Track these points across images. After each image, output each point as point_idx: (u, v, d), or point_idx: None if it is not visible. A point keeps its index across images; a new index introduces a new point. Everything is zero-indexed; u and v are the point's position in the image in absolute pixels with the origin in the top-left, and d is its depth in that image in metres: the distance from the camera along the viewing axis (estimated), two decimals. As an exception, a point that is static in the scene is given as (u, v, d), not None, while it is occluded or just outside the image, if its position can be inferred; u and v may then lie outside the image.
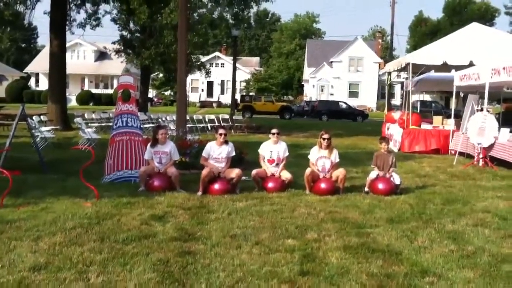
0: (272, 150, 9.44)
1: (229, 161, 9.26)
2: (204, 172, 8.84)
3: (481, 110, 13.89)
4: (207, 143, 9.56)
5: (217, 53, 64.70)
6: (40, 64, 54.12)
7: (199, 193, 8.77)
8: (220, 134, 9.20)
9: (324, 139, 9.17)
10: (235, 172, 8.98)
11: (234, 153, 9.43)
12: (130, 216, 7.12)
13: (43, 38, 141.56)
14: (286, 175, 9.32)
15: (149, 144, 9.48)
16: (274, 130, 9.54)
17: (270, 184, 9.19)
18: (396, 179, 9.16)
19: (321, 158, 9.18)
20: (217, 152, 9.13)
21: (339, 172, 9.07)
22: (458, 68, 16.17)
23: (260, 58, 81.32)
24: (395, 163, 9.47)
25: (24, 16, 25.45)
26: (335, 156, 9.24)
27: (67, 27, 24.06)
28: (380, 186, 9.03)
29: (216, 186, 8.88)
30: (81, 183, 8.54)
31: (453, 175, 11.61)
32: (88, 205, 7.68)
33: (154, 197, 8.37)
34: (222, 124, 22.73)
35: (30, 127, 13.27)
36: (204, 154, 9.18)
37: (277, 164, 9.40)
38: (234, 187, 9.02)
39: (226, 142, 9.27)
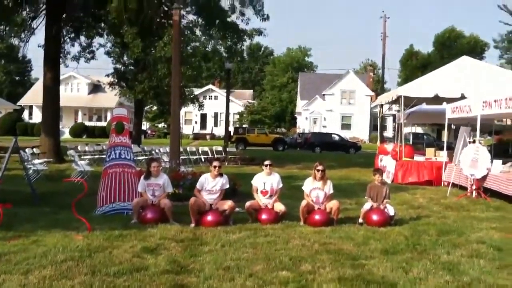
0: (266, 181, 9.40)
1: (222, 193, 9.22)
2: (192, 200, 8.80)
3: (473, 142, 13.97)
4: (201, 175, 9.52)
5: (210, 86, 65.15)
6: (34, 96, 54.21)
7: (192, 225, 8.69)
8: (215, 167, 9.18)
9: (318, 170, 9.17)
10: (227, 204, 8.93)
11: (228, 185, 9.39)
12: (122, 248, 7.03)
13: (37, 71, 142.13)
14: (279, 207, 9.27)
15: (142, 177, 9.44)
16: (266, 162, 9.54)
17: (264, 216, 9.13)
18: (390, 210, 9.14)
19: (315, 189, 9.17)
20: (211, 184, 9.09)
21: (333, 204, 9.04)
22: (450, 100, 16.32)
23: (253, 91, 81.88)
24: (389, 194, 9.47)
25: (19, 49, 25.60)
26: (329, 188, 9.22)
27: (61, 60, 24.19)
28: (374, 217, 9.00)
29: (209, 217, 8.81)
30: (73, 216, 8.46)
31: (447, 206, 11.59)
32: (79, 238, 7.59)
33: (147, 229, 8.29)
34: (216, 156, 22.73)
35: (23, 159, 13.21)
36: (198, 185, 9.15)
37: (271, 196, 9.36)
38: (227, 219, 8.95)
39: (220, 175, 9.24)
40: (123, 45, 26.95)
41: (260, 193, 9.38)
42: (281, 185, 9.54)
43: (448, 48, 68.71)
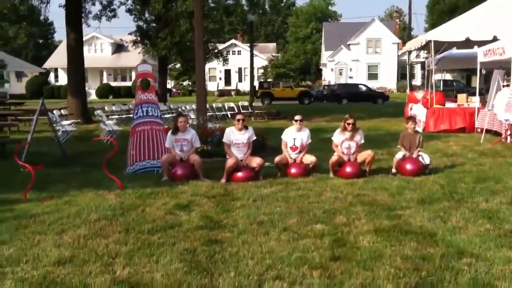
0: (296, 137, 9.21)
1: (250, 146, 9.08)
2: (229, 162, 8.66)
3: (508, 85, 13.50)
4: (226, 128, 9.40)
5: (233, 41, 64.31)
6: (59, 59, 54.34)
7: (223, 180, 8.63)
8: (238, 120, 9.04)
9: (349, 124, 8.86)
10: (256, 162, 8.81)
11: (255, 137, 9.23)
12: (154, 206, 7.01)
13: (60, 33, 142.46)
14: (310, 159, 9.11)
15: (169, 132, 9.34)
16: (297, 117, 9.28)
17: (293, 170, 9.00)
18: (426, 158, 8.92)
19: (345, 140, 8.95)
20: (238, 137, 8.96)
21: (367, 154, 8.85)
22: (481, 43, 15.76)
23: (276, 44, 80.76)
24: (422, 143, 9.23)
25: (40, 11, 25.48)
26: (360, 137, 9.01)
27: (83, 20, 24.01)
28: (408, 166, 8.80)
29: (240, 174, 8.73)
30: (104, 175, 8.46)
31: (482, 153, 11.31)
32: (111, 196, 7.59)
33: (178, 186, 8.25)
34: (242, 111, 22.58)
35: (51, 121, 13.27)
36: (225, 140, 9.03)
37: (300, 151, 9.20)
38: (257, 174, 8.86)
39: (246, 127, 9.11)
40: (143, 1, 26.66)
41: (289, 148, 9.22)
42: (310, 140, 9.37)
43: (477, -9, 66.34)
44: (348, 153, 8.94)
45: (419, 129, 15.82)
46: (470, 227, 5.75)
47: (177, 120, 9.30)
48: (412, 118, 9.74)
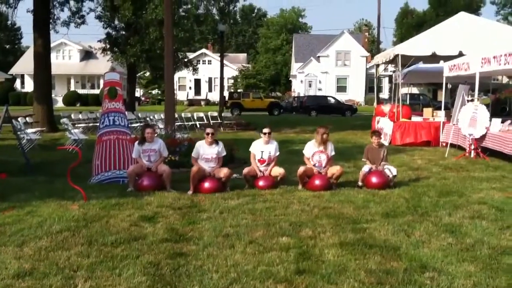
0: (264, 150, 9.21)
1: (220, 161, 9.06)
2: (194, 169, 8.63)
3: (472, 100, 13.78)
4: (197, 141, 9.34)
5: (204, 50, 64.27)
6: (25, 65, 53.35)
7: (190, 192, 8.57)
8: (208, 134, 8.97)
9: (323, 134, 8.93)
10: (223, 172, 8.77)
11: (224, 153, 9.21)
12: (118, 217, 6.91)
13: (27, 38, 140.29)
14: (278, 171, 9.13)
15: (136, 142, 9.25)
16: (265, 130, 9.29)
17: (261, 183, 9.00)
18: (393, 170, 9.03)
19: (316, 153, 8.99)
20: (207, 151, 8.92)
21: (335, 170, 8.88)
22: (447, 58, 16.06)
23: (247, 55, 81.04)
24: (386, 156, 9.35)
25: (7, 16, 25.04)
26: (330, 150, 9.07)
27: (51, 26, 23.68)
28: (374, 179, 8.89)
29: (207, 184, 8.68)
30: (68, 185, 8.31)
31: (446, 167, 11.49)
32: (75, 207, 7.45)
33: (144, 197, 8.16)
34: (211, 121, 22.54)
35: (15, 129, 13.00)
36: (193, 154, 8.98)
37: (268, 164, 9.21)
38: (225, 185, 8.83)
39: (216, 142, 9.07)
40: (113, 8, 26.46)
41: (257, 161, 9.22)
42: (278, 153, 9.39)
43: (443, 6, 67.71)
44: (319, 165, 8.97)
45: (386, 142, 16.05)
46: (433, 241, 5.82)
47: (144, 131, 9.22)
48: (377, 133, 9.84)
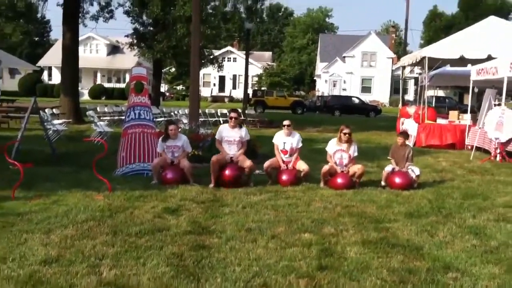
0: (286, 141, 9.25)
1: (244, 145, 9.06)
2: (214, 158, 8.68)
3: (499, 105, 13.62)
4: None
5: (229, 48, 64.42)
6: (53, 57, 54.16)
7: (211, 185, 8.63)
8: (231, 118, 9.01)
9: (345, 134, 8.90)
10: (247, 163, 8.77)
11: (248, 137, 9.24)
12: (143, 209, 7.00)
13: (56, 31, 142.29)
14: (302, 166, 9.10)
15: (160, 138, 9.34)
16: (285, 122, 9.35)
17: (284, 177, 9.00)
18: (416, 170, 8.97)
19: (338, 151, 8.98)
20: (230, 134, 8.95)
21: (357, 168, 8.85)
22: (475, 62, 15.88)
23: (272, 53, 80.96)
24: (412, 157, 9.28)
25: (37, 8, 25.43)
26: (353, 150, 9.01)
27: (80, 20, 23.99)
28: (397, 180, 8.85)
29: (228, 172, 8.67)
30: (94, 176, 8.43)
31: (471, 170, 11.37)
32: (100, 198, 7.57)
33: (167, 190, 8.24)
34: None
35: (42, 120, 13.22)
36: (217, 136, 9.08)
37: (290, 155, 9.21)
38: (248, 179, 8.86)
39: (240, 126, 9.13)
40: (142, 4, 26.68)
41: (280, 151, 9.26)
42: (300, 144, 9.38)
43: (473, 9, 66.83)
44: (341, 163, 8.95)
45: (410, 143, 15.91)
46: (457, 242, 5.78)
47: (168, 127, 9.26)
48: (404, 133, 9.81)
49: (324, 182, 8.94)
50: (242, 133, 9.04)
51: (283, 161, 9.17)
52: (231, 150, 8.92)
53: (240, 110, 24.64)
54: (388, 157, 9.38)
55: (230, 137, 8.93)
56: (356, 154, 9.08)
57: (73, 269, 4.66)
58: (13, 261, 4.85)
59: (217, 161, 8.69)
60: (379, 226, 6.40)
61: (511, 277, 4.74)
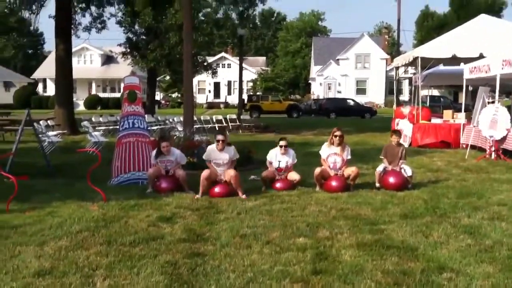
0: (281, 160, 9.17)
1: (233, 164, 8.85)
2: (204, 174, 8.45)
3: (493, 102, 13.65)
4: (208, 146, 9.29)
5: (223, 54, 64.52)
6: (47, 69, 54.14)
7: (198, 195, 8.40)
8: (218, 141, 8.70)
9: (336, 136, 8.92)
10: (228, 174, 8.50)
11: (237, 156, 8.98)
12: (137, 218, 6.99)
13: (50, 43, 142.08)
14: (294, 177, 9.09)
15: (153, 154, 9.28)
16: (282, 143, 9.21)
17: (279, 185, 9.03)
18: (408, 171, 8.96)
19: (332, 155, 8.98)
20: (218, 157, 8.72)
21: (351, 171, 8.83)
22: (468, 60, 15.92)
23: (266, 58, 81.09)
24: (405, 155, 9.24)
25: (30, 22, 25.45)
26: (347, 153, 9.01)
27: (72, 31, 24.01)
28: (391, 180, 8.81)
29: (217, 189, 8.50)
30: (88, 187, 8.41)
31: (466, 169, 11.38)
32: (94, 208, 7.55)
33: (162, 198, 8.23)
34: (230, 124, 22.60)
35: (37, 131, 13.19)
36: (205, 157, 8.86)
37: (285, 171, 9.20)
38: (238, 191, 8.50)
39: (229, 144, 8.92)
40: (133, 13, 26.75)
41: (275, 169, 9.18)
42: (295, 160, 9.35)
43: (464, 8, 67.14)
44: (334, 167, 8.96)
45: (406, 144, 15.93)
46: (452, 242, 5.78)
47: (160, 144, 9.15)
48: (397, 132, 9.82)
49: (319, 186, 8.94)
50: (230, 153, 8.76)
51: (278, 175, 9.18)
52: (221, 171, 8.71)
53: (235, 117, 24.70)
54: (381, 157, 9.37)
55: (219, 160, 8.70)
56: (349, 157, 9.06)
57: (67, 281, 4.64)
58: (7, 273, 4.84)
59: (208, 178, 8.46)
60: (374, 228, 6.39)
61: (505, 276, 4.73)
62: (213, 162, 8.76)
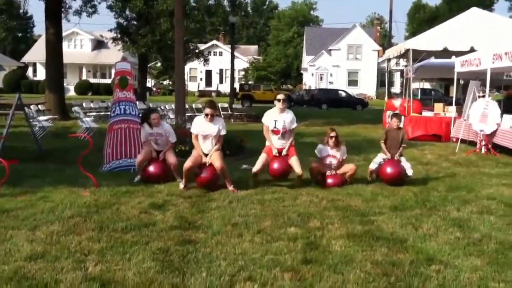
0: (278, 119, 8.35)
1: (220, 140, 8.24)
2: (186, 165, 7.96)
3: (483, 96, 13.74)
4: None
5: (215, 42, 64.31)
6: (37, 53, 53.60)
7: (182, 186, 8.17)
8: (206, 115, 8.13)
9: (332, 137, 8.60)
10: (217, 164, 7.99)
11: (225, 131, 8.33)
12: (129, 205, 7.00)
13: (40, 27, 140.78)
14: (297, 169, 8.34)
15: (143, 132, 9.04)
16: (280, 96, 8.47)
17: (276, 165, 8.31)
18: (409, 171, 8.73)
19: (329, 156, 8.70)
20: (206, 128, 8.14)
21: (349, 168, 8.61)
22: (459, 54, 16.00)
23: (258, 47, 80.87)
24: (404, 139, 9.01)
25: (19, 4, 25.19)
26: (343, 153, 8.76)
27: (62, 15, 23.78)
28: (389, 170, 8.60)
29: (202, 175, 8.08)
30: (80, 172, 8.40)
31: (456, 163, 11.48)
32: (86, 194, 7.55)
33: (154, 185, 8.24)
34: (222, 113, 22.54)
35: (28, 116, 13.13)
36: (193, 130, 8.26)
37: (283, 135, 8.39)
38: (226, 182, 8.18)
39: (217, 118, 8.36)
40: (124, -2, 26.56)
41: (271, 132, 8.41)
42: (295, 125, 8.55)
43: (456, 1, 67.27)
44: (330, 168, 8.79)
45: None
46: (441, 235, 5.85)
47: (150, 116, 8.92)
48: (397, 115, 9.50)
49: (316, 182, 8.65)
50: (219, 126, 8.21)
51: (275, 148, 8.41)
52: (207, 145, 8.20)
53: (227, 106, 24.66)
54: (381, 141, 9.07)
55: (206, 131, 8.14)
56: (345, 157, 8.86)
57: (59, 265, 4.66)
58: (-2, 258, 4.85)
59: (191, 168, 8.03)
60: (364, 219, 6.45)
61: (493, 269, 4.80)
62: (200, 135, 8.20)
